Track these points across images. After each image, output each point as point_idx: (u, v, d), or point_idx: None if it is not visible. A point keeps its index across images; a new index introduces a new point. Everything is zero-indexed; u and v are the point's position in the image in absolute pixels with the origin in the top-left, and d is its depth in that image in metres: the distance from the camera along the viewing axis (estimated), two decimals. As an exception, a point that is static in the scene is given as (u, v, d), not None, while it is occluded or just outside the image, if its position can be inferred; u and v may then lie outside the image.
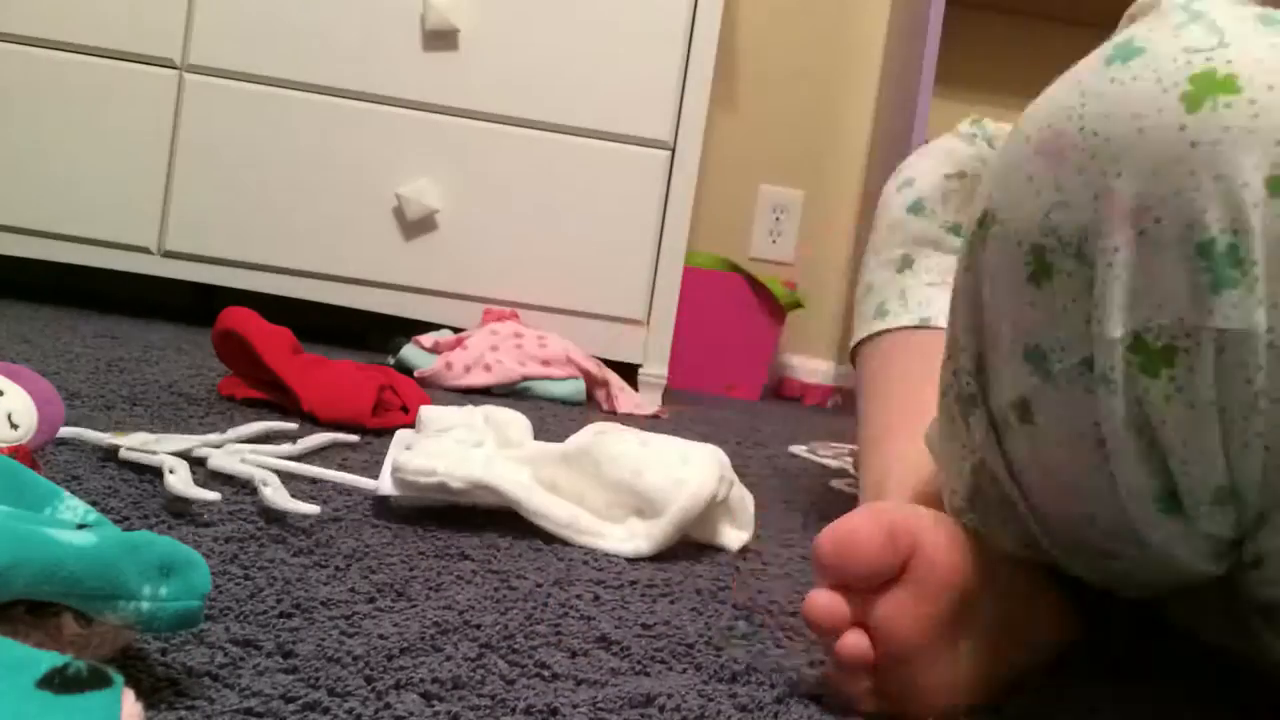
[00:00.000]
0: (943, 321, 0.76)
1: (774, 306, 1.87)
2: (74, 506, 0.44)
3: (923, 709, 0.50)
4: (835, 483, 1.15)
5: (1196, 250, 0.41)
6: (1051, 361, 0.46)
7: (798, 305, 1.90)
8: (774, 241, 2.11)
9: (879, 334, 0.80)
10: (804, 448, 1.33)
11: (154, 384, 1.07)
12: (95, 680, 0.32)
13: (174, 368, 1.19)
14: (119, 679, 0.33)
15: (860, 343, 0.83)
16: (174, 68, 1.54)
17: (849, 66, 2.10)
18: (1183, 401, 0.43)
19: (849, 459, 1.26)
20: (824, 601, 0.48)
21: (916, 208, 0.83)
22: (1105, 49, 0.46)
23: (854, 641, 0.48)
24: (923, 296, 0.78)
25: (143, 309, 1.69)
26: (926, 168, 0.86)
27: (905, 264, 0.81)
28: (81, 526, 0.42)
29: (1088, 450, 0.46)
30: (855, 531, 0.48)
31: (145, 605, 0.38)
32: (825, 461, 1.27)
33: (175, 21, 1.54)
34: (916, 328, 0.77)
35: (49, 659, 0.32)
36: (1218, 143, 0.41)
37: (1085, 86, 0.45)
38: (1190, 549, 0.47)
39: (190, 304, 1.82)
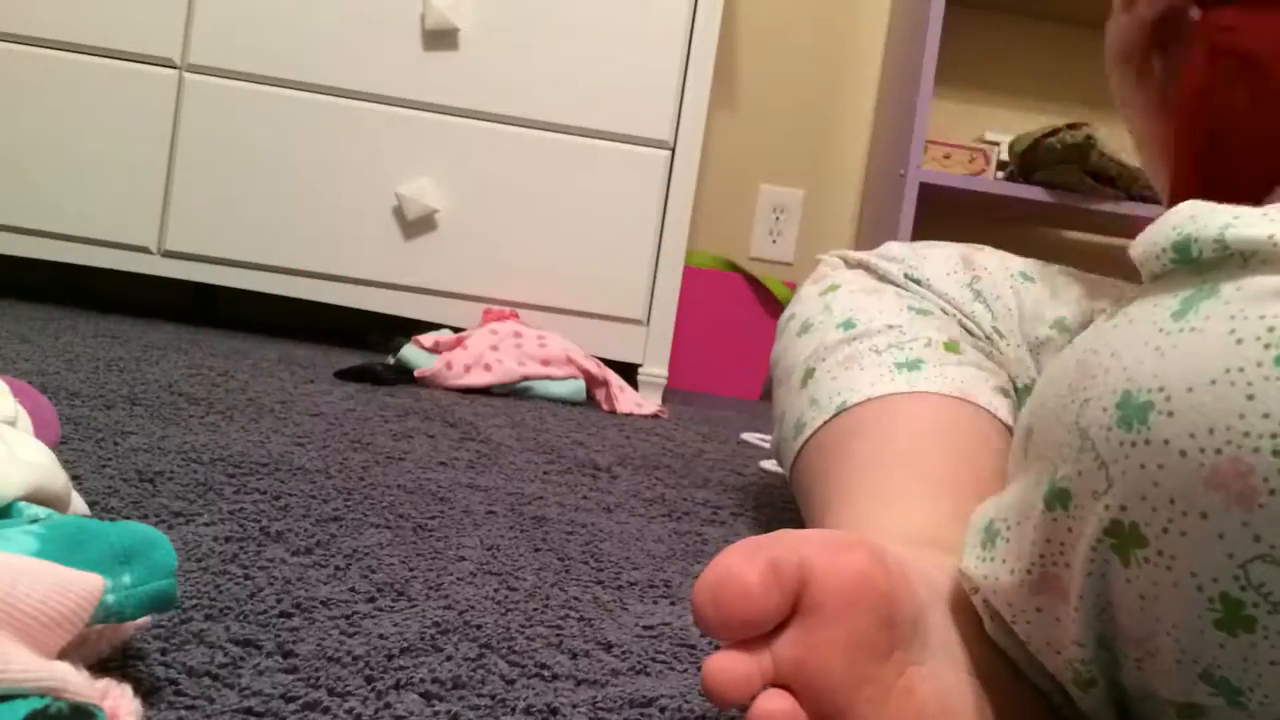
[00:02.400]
0: (860, 395, 0.70)
1: (774, 306, 1.87)
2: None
3: None
4: (766, 463, 1.16)
5: None
6: (1247, 699, 0.38)
7: (798, 305, 1.90)
8: (774, 241, 2.11)
9: (804, 447, 0.74)
10: (756, 435, 1.34)
11: (154, 384, 1.07)
12: (77, 718, 0.32)
13: (174, 368, 1.19)
14: (101, 714, 0.33)
15: (791, 468, 0.77)
16: (174, 68, 1.54)
17: (849, 66, 2.10)
18: None
19: None
20: (721, 665, 0.40)
21: (804, 329, 0.80)
22: (1267, 338, 0.35)
23: (774, 705, 0.40)
24: (831, 389, 0.73)
25: (143, 309, 1.69)
26: (804, 293, 0.84)
27: (808, 376, 0.77)
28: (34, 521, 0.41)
29: None
30: (731, 573, 0.41)
31: (110, 598, 0.37)
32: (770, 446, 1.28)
33: (175, 21, 1.54)
34: (834, 416, 0.71)
35: (28, 703, 0.32)
36: None
37: (1270, 407, 0.34)
38: None
39: (190, 304, 1.82)
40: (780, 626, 0.41)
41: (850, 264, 0.85)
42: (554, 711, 0.45)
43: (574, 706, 0.46)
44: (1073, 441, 0.40)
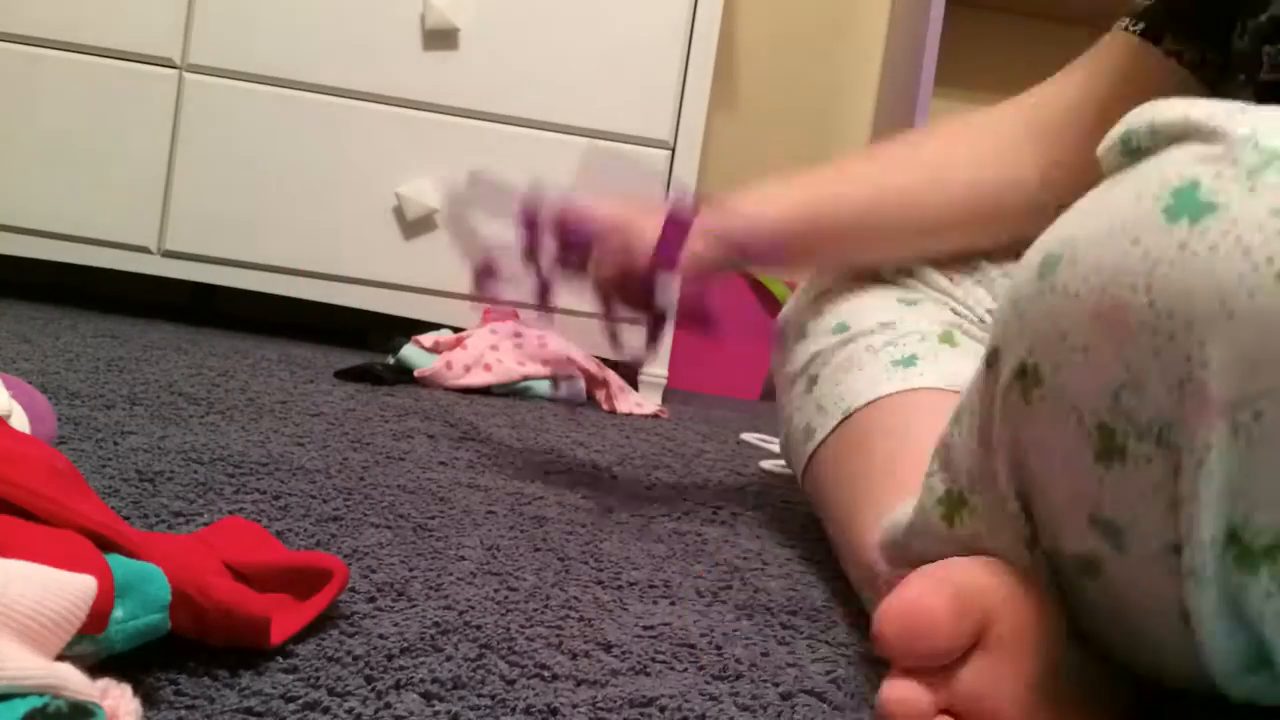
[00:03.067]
0: (862, 399, 0.72)
1: (774, 306, 1.87)
2: None
3: None
4: (766, 463, 1.16)
5: None
6: (1127, 538, 0.41)
7: (798, 305, 1.90)
8: (774, 241, 2.11)
9: (815, 453, 0.76)
10: (756, 435, 1.35)
11: (154, 383, 1.07)
12: (76, 716, 0.32)
13: (174, 367, 1.19)
14: (101, 713, 0.33)
15: (804, 472, 0.79)
16: (174, 67, 1.54)
17: (849, 66, 2.10)
18: None
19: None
20: (901, 694, 0.43)
21: (800, 334, 0.81)
22: (1156, 186, 0.39)
23: None
24: (835, 394, 0.75)
25: (143, 309, 1.69)
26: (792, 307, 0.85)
27: (811, 383, 0.78)
28: None
29: (1168, 618, 0.41)
30: (920, 606, 0.43)
31: (100, 634, 0.38)
32: (771, 447, 1.29)
33: (175, 21, 1.54)
34: (841, 422, 0.73)
35: (27, 702, 0.32)
36: None
37: (1148, 248, 0.38)
38: (1271, 695, 0.43)
39: (190, 304, 1.82)
40: (961, 657, 0.43)
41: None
42: (554, 711, 0.45)
43: (574, 706, 0.46)
44: (1005, 305, 0.45)
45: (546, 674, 0.49)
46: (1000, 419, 0.45)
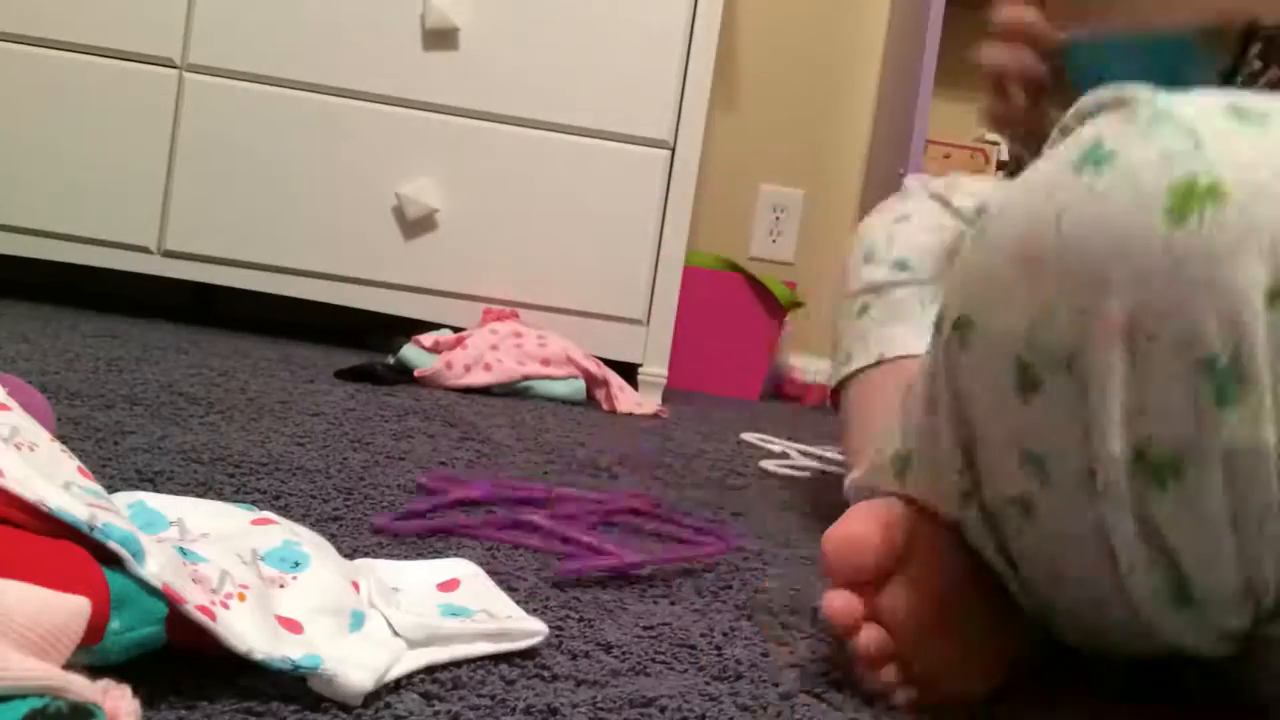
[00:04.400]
0: (895, 350, 0.81)
1: (774, 306, 1.87)
2: None
3: (949, 694, 0.52)
4: (766, 463, 1.17)
5: (1196, 367, 0.40)
6: (1051, 468, 0.45)
7: (798, 305, 1.90)
8: (774, 241, 2.11)
9: (848, 379, 0.85)
10: (756, 435, 1.36)
11: (154, 383, 1.07)
12: (76, 716, 0.32)
13: (174, 367, 1.19)
14: (101, 714, 0.33)
15: (837, 390, 0.88)
16: (174, 67, 1.54)
17: (849, 66, 2.10)
18: (1192, 513, 0.42)
19: (790, 444, 1.32)
20: (840, 602, 0.51)
21: (867, 256, 0.87)
22: (1071, 149, 0.44)
23: (871, 635, 0.51)
24: (877, 335, 0.83)
25: (143, 309, 1.69)
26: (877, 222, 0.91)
27: (862, 310, 0.85)
28: None
29: (1094, 551, 0.45)
30: (854, 532, 0.51)
31: (95, 645, 0.37)
32: (771, 447, 1.30)
33: (175, 21, 1.54)
34: (874, 365, 0.82)
35: (27, 703, 0.32)
36: (1209, 257, 0.39)
37: (1058, 196, 0.43)
38: (1202, 638, 0.47)
39: (190, 304, 1.82)
40: (885, 576, 0.51)
41: (930, 193, 0.89)
42: (554, 711, 0.45)
43: (574, 706, 0.46)
44: (954, 269, 0.50)
45: (546, 674, 0.49)
46: (944, 374, 0.50)
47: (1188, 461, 0.41)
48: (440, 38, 1.56)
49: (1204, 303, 0.40)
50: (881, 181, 1.97)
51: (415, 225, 1.57)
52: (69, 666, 0.34)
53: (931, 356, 0.52)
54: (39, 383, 0.96)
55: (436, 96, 1.56)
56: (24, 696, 0.32)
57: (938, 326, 0.51)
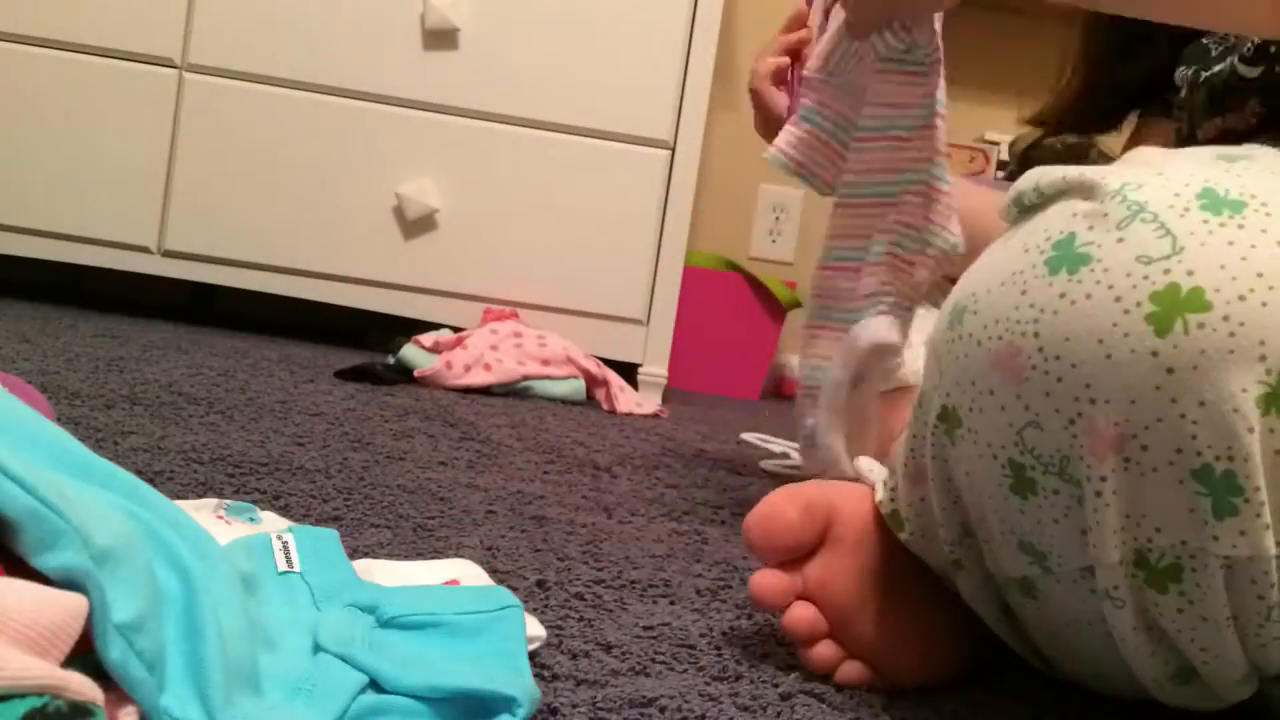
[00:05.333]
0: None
1: (774, 306, 1.87)
2: None
3: (899, 675, 0.53)
4: (766, 463, 1.17)
5: (1191, 476, 0.40)
6: (1051, 561, 0.46)
7: (798, 305, 1.90)
8: (774, 241, 2.11)
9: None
10: (756, 435, 1.36)
11: (154, 383, 1.07)
12: (75, 716, 0.32)
13: (174, 367, 1.19)
14: (100, 713, 0.33)
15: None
16: (174, 67, 1.54)
17: (849, 66, 2.10)
18: (1195, 613, 0.42)
19: (790, 444, 1.32)
20: (767, 580, 0.53)
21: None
22: (1040, 239, 0.43)
23: (800, 612, 0.52)
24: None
25: (143, 309, 1.69)
26: None
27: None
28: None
29: (1099, 635, 0.46)
30: (775, 512, 0.53)
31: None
32: (770, 446, 1.30)
33: (175, 21, 1.54)
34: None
35: (26, 702, 0.32)
36: (1197, 367, 0.39)
37: (1034, 298, 0.42)
38: (1208, 703, 0.47)
39: (190, 304, 1.82)
40: (810, 554, 0.53)
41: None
42: (554, 711, 0.45)
43: (574, 706, 0.46)
44: (928, 353, 0.50)
45: (546, 674, 0.49)
46: (931, 458, 0.49)
47: (1187, 567, 0.41)
48: (440, 38, 1.56)
49: (1194, 414, 0.39)
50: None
51: (415, 225, 1.57)
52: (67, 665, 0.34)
53: (915, 431, 0.51)
54: (39, 383, 0.96)
55: (436, 96, 1.56)
56: (23, 695, 0.32)
57: (920, 407, 0.50)
